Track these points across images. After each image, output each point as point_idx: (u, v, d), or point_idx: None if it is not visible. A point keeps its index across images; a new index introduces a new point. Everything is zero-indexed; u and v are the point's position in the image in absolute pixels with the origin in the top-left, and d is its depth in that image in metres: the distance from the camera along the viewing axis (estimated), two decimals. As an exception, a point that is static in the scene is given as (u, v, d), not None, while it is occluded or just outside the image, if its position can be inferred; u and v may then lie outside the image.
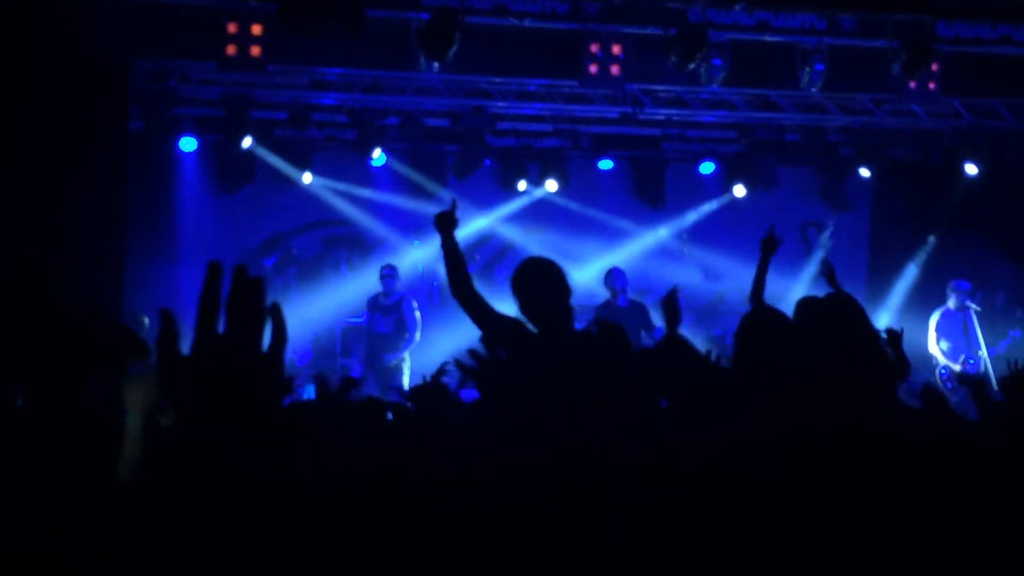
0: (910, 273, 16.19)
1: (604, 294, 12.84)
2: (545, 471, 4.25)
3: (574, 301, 5.76)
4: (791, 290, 14.39)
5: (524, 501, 4.15)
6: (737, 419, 4.12)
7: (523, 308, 5.63)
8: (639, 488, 3.98)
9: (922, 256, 16.21)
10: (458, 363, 5.58)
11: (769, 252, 7.52)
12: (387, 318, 13.45)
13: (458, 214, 6.09)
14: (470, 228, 14.69)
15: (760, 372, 4.85)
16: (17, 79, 10.61)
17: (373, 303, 13.59)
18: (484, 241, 15.64)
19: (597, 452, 4.21)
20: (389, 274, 13.58)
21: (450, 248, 5.87)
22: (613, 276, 12.93)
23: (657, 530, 3.88)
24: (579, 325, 5.88)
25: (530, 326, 5.65)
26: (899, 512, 3.93)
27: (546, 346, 5.54)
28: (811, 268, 16.34)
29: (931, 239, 16.13)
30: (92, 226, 10.72)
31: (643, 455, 4.10)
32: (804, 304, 5.88)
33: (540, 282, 5.64)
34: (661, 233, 16.12)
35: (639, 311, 12.85)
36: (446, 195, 14.98)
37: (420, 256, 15.11)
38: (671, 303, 6.33)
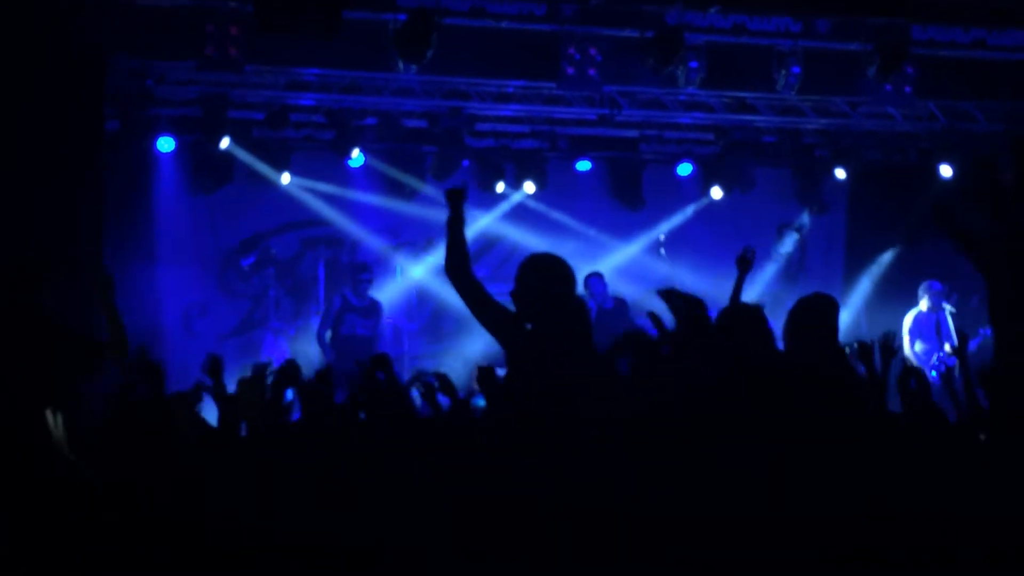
0: (884, 275, 16.25)
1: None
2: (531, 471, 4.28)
3: None
4: (765, 290, 14.52)
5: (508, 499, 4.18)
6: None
7: (523, 302, 5.48)
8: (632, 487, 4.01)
9: (876, 270, 16.33)
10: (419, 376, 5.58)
11: (744, 270, 7.59)
12: (367, 320, 13.37)
13: (440, 215, 5.96)
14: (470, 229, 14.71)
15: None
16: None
17: (344, 305, 13.46)
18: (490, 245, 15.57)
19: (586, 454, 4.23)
20: (367, 279, 13.53)
21: (456, 223, 5.66)
22: (592, 284, 12.99)
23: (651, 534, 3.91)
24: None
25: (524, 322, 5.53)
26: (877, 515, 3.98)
27: (537, 342, 5.43)
28: (784, 266, 16.42)
29: (889, 253, 16.26)
30: (67, 227, 10.68)
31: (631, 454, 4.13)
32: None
33: (548, 278, 5.49)
34: (638, 237, 16.13)
35: (622, 308, 12.99)
36: (428, 192, 15.02)
37: (400, 259, 15.11)
38: (744, 257, 6.39)
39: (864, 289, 16.23)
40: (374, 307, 13.44)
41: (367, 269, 13.76)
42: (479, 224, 14.94)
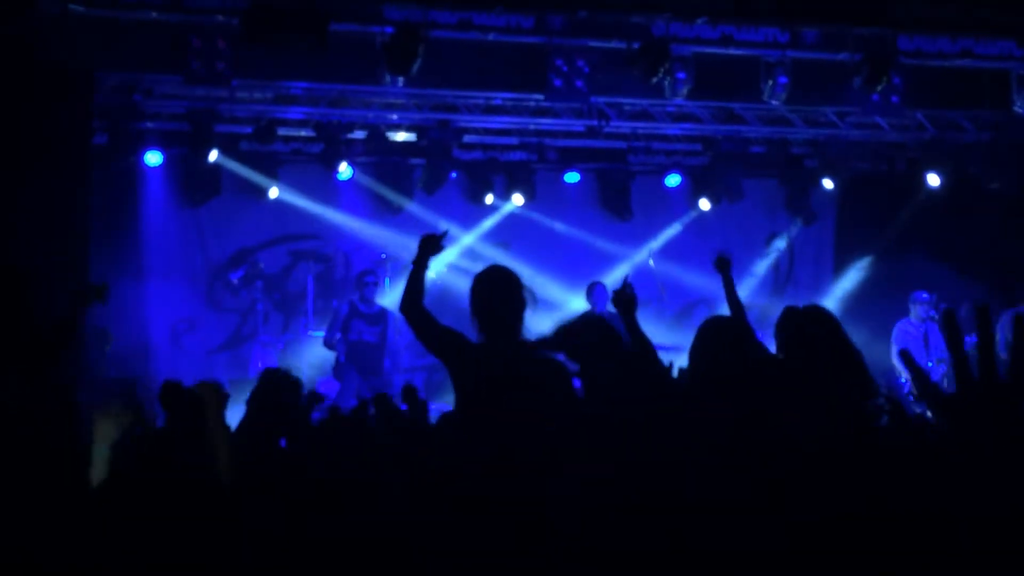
0: (872, 284, 16.29)
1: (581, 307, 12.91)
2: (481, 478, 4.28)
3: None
4: (753, 301, 14.50)
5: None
6: (691, 431, 4.14)
7: (473, 313, 5.69)
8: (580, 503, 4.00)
9: (856, 274, 16.38)
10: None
11: (726, 271, 7.59)
12: (374, 327, 13.23)
13: (432, 230, 6.12)
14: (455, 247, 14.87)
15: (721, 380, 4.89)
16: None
17: (352, 311, 13.32)
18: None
19: (531, 461, 4.23)
20: (372, 281, 13.34)
21: (420, 269, 5.89)
22: (595, 293, 12.93)
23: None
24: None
25: (472, 336, 5.69)
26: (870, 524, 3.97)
27: (484, 356, 5.58)
28: (772, 276, 16.45)
29: (867, 259, 16.31)
30: (54, 240, 10.66)
31: (582, 466, 4.12)
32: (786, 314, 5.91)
33: (493, 291, 5.68)
34: (627, 246, 16.14)
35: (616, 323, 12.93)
36: (415, 207, 15.01)
37: (388, 273, 15.08)
38: (622, 294, 6.47)
39: (845, 298, 16.24)
40: (382, 315, 13.20)
41: (371, 272, 13.62)
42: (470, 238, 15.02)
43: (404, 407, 6.67)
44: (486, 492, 4.22)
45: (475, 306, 5.70)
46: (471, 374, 5.57)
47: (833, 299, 15.99)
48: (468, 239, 15.64)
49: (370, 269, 13.89)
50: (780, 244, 16.63)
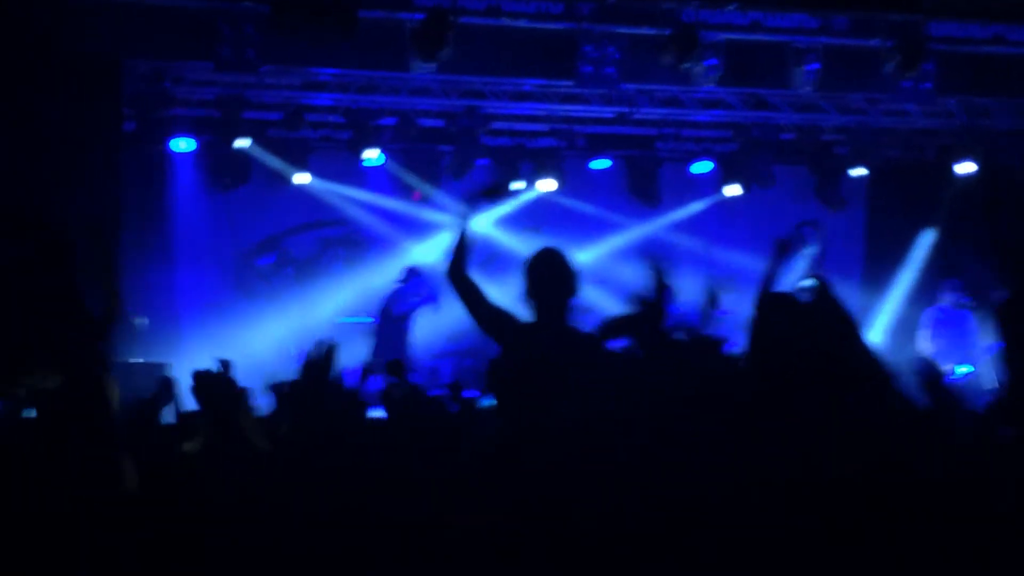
0: (906, 272, 16.20)
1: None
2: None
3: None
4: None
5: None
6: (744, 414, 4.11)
7: (526, 293, 5.68)
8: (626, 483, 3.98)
9: (920, 252, 16.23)
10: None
11: (782, 254, 7.32)
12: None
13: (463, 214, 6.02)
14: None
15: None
16: (7, 80, 10.61)
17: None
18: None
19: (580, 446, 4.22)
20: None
21: (466, 229, 5.81)
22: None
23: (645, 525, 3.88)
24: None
25: (521, 316, 5.69)
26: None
27: (534, 336, 5.58)
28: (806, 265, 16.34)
29: (931, 233, 16.16)
30: (85, 229, 10.70)
31: (636, 452, 4.10)
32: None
33: (545, 272, 5.68)
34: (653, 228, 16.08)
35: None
36: (439, 196, 15.00)
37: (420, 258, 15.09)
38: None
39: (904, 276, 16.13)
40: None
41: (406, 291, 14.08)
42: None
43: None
44: (530, 477, 4.20)
45: (529, 286, 5.67)
46: (523, 352, 5.55)
47: (869, 285, 15.93)
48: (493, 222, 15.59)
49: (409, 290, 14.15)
50: (809, 252, 16.50)
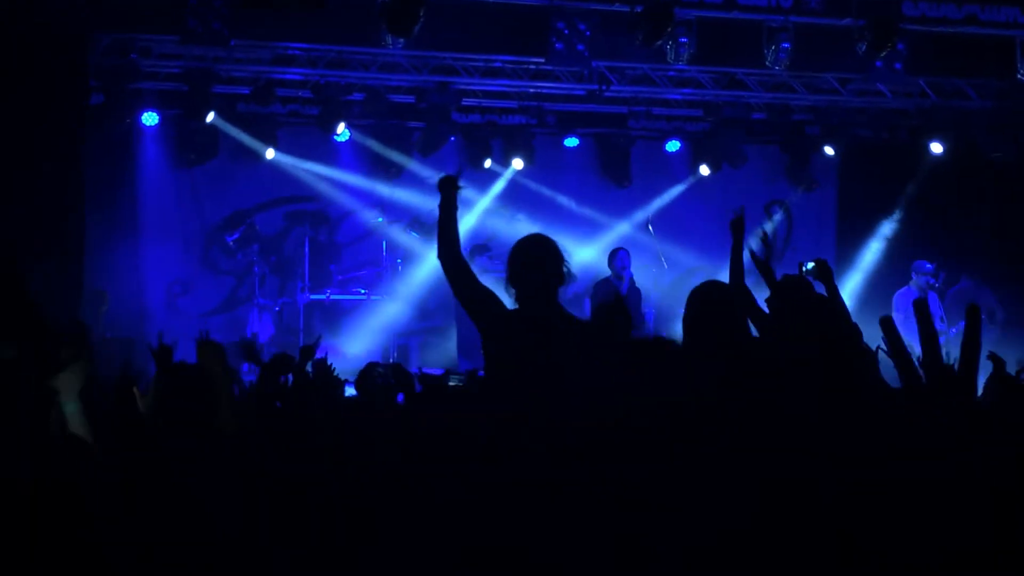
0: (875, 252, 16.23)
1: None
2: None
3: None
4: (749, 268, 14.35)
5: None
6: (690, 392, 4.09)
7: (510, 279, 5.61)
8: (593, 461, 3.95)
9: (886, 232, 16.26)
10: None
11: (739, 234, 7.40)
12: None
13: (426, 193, 6.03)
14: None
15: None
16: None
17: None
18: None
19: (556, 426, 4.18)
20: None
21: (447, 212, 5.74)
22: (618, 257, 12.76)
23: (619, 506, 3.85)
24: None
25: (508, 302, 5.65)
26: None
27: (518, 322, 5.53)
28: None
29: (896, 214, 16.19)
30: (50, 203, 10.57)
31: (598, 431, 4.06)
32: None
33: (532, 257, 5.60)
34: (626, 213, 16.02)
35: (636, 296, 12.79)
36: (415, 169, 14.89)
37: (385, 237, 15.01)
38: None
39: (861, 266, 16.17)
40: None
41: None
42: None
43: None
44: (510, 458, 4.15)
45: (513, 272, 5.60)
46: (503, 339, 5.49)
47: (842, 266, 15.94)
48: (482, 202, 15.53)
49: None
50: (776, 217, 16.51)
